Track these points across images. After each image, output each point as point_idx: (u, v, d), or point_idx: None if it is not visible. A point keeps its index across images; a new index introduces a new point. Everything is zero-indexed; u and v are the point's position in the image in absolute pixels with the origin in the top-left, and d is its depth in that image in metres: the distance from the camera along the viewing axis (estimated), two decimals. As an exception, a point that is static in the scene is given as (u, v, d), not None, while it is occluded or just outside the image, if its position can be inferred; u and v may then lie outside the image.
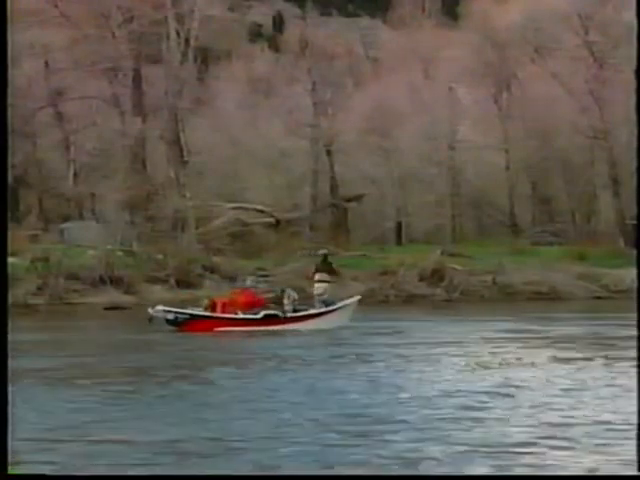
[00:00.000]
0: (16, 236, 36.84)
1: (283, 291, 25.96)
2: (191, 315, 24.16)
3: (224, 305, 24.41)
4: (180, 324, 23.86)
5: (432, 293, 41.97)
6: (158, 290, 39.99)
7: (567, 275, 44.13)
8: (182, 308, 24.97)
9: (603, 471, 8.02)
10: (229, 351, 20.17)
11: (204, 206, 49.27)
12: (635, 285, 34.70)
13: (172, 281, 40.52)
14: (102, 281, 39.16)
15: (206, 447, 9.32)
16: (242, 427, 10.28)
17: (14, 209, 47.20)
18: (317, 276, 26.01)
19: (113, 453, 9.04)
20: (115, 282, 39.38)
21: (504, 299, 41.16)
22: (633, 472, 7.35)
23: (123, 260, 41.15)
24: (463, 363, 16.24)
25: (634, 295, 31.27)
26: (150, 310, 24.20)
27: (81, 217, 50.92)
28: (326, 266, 26.35)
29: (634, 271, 36.83)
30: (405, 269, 42.65)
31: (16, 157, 46.70)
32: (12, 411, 10.81)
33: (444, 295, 41.81)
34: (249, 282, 25.35)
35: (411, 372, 15.23)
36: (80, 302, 37.75)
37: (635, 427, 8.69)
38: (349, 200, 57.72)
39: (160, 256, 41.82)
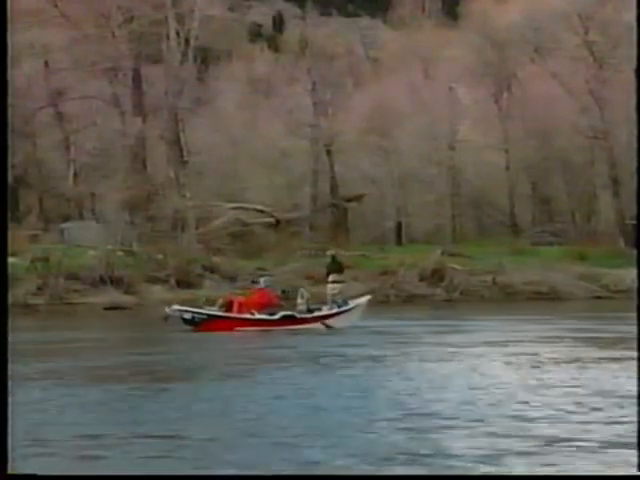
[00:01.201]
0: (16, 236, 36.85)
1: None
2: (209, 315, 24.25)
3: (240, 305, 24.53)
4: (197, 324, 23.94)
5: (432, 293, 41.98)
6: (158, 290, 39.99)
7: (567, 275, 44.12)
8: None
9: None
10: (295, 348, 19.70)
11: (204, 206, 49.28)
12: (635, 285, 34.78)
13: (172, 281, 40.52)
14: (102, 281, 39.16)
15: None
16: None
17: (14, 209, 47.22)
18: (331, 277, 26.19)
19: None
20: (115, 282, 39.38)
21: (504, 299, 41.17)
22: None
23: (123, 260, 41.15)
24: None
25: (634, 295, 31.33)
26: (167, 309, 24.32)
27: (81, 217, 50.94)
28: (336, 266, 26.57)
29: (634, 271, 36.84)
30: (405, 269, 42.66)
31: (16, 157, 46.72)
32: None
33: (444, 295, 41.82)
34: (262, 282, 25.49)
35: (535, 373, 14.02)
36: (80, 302, 37.75)
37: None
38: (349, 200, 57.73)
39: (160, 256, 41.82)
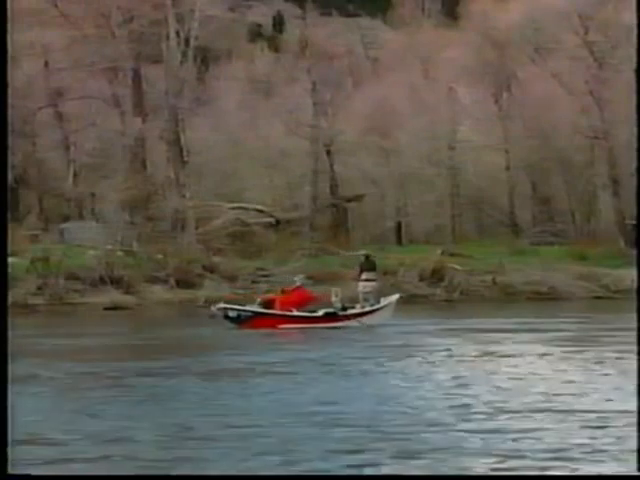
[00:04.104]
0: (16, 236, 36.87)
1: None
2: (254, 313, 24.81)
3: (282, 303, 25.08)
4: (243, 321, 24.57)
5: (432, 293, 41.96)
6: (158, 290, 39.99)
7: (567, 275, 44.09)
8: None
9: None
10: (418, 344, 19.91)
11: (204, 206, 49.26)
12: (635, 285, 34.75)
13: (172, 281, 40.51)
14: (102, 281, 39.15)
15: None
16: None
17: (14, 209, 47.14)
18: (364, 275, 26.75)
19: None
20: (115, 282, 39.37)
21: (504, 299, 41.14)
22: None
23: (123, 260, 41.13)
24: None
25: (634, 295, 31.29)
26: (212, 307, 25.19)
27: (81, 217, 50.91)
28: (370, 265, 27.17)
29: (634, 271, 36.82)
30: (405, 269, 42.63)
31: (16, 157, 46.72)
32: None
33: (444, 295, 41.81)
34: (298, 281, 25.85)
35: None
36: (80, 302, 37.74)
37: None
38: (349, 200, 57.70)
39: (160, 256, 41.80)
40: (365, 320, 25.22)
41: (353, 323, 24.92)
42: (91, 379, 14.56)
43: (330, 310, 25.15)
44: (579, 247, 49.82)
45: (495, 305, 37.93)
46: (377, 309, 25.79)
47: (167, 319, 33.38)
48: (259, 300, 25.66)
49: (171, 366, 16.21)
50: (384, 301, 26.18)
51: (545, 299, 41.16)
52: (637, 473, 7.21)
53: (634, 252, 42.35)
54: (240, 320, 24.59)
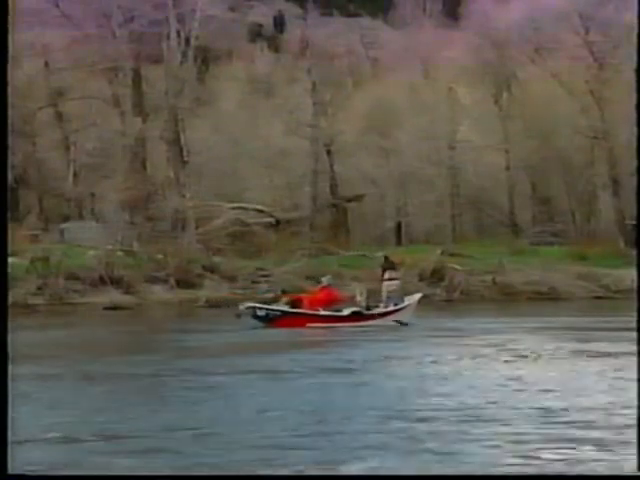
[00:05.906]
0: (16, 236, 36.86)
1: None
2: (283, 312, 25.12)
3: (310, 302, 25.43)
4: (271, 320, 24.84)
5: (432, 293, 41.93)
6: (158, 290, 39.99)
7: (567, 275, 44.10)
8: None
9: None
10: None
11: (204, 206, 49.27)
12: (635, 285, 34.70)
13: (172, 281, 40.50)
14: (102, 281, 39.14)
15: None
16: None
17: (14, 209, 47.15)
18: (387, 274, 27.10)
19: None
20: (115, 282, 39.36)
21: (504, 299, 41.13)
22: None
23: (123, 260, 41.13)
24: None
25: (634, 295, 31.28)
26: (240, 306, 25.49)
27: (81, 217, 50.92)
28: (390, 264, 27.67)
29: (634, 271, 36.80)
30: (405, 269, 42.60)
31: (16, 157, 46.71)
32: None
33: (444, 295, 41.81)
34: (325, 280, 26.21)
35: None
36: (80, 302, 37.73)
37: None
38: (349, 200, 57.69)
39: (160, 256, 41.79)
40: (389, 319, 25.39)
41: (378, 322, 25.06)
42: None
43: (356, 309, 25.43)
44: (579, 247, 49.83)
45: (499, 305, 37.92)
46: (402, 308, 26.01)
47: (181, 319, 33.24)
48: (286, 299, 26.03)
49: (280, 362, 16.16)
50: (407, 300, 26.42)
51: (545, 299, 41.16)
52: (637, 473, 7.21)
53: (634, 252, 42.37)
54: (268, 319, 24.89)
